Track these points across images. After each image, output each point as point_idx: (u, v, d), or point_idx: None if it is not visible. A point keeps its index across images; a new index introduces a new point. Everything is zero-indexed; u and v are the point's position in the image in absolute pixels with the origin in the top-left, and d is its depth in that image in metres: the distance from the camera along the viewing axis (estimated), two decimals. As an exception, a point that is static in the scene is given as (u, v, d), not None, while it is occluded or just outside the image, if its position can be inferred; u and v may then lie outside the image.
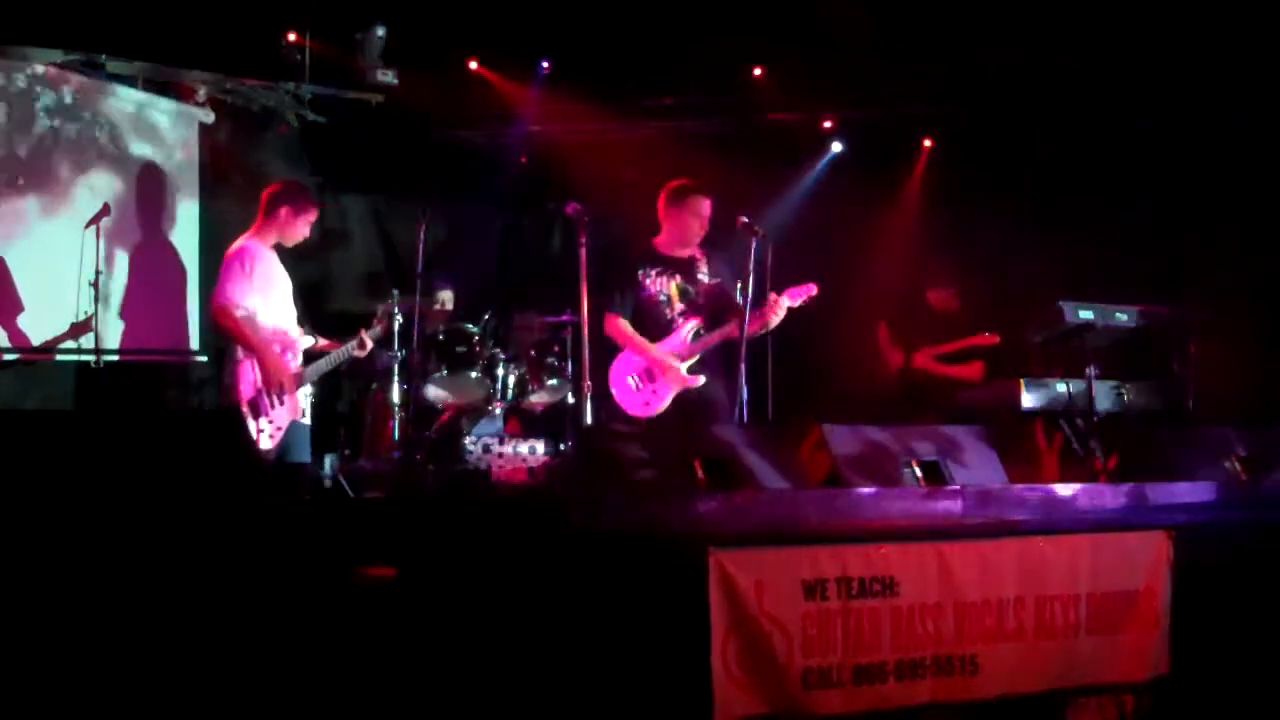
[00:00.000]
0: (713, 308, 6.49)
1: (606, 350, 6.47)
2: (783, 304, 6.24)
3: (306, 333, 6.60)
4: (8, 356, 7.16)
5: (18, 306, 7.18)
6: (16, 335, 7.19)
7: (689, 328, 6.46)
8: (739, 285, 6.42)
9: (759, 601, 4.03)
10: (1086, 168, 8.39)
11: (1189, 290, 7.67)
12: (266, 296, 6.35)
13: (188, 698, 3.77)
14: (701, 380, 6.35)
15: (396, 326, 7.01)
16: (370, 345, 6.71)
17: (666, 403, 6.37)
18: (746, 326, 6.08)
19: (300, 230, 6.53)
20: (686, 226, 6.48)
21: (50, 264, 7.29)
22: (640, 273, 6.47)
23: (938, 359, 7.82)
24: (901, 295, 8.27)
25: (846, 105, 9.27)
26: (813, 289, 6.33)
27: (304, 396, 6.48)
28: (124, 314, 7.60)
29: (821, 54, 8.52)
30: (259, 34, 7.82)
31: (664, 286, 6.49)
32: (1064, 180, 8.43)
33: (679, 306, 6.47)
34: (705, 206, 6.47)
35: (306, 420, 6.50)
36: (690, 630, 3.95)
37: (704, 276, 6.54)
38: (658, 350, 6.37)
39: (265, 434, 6.20)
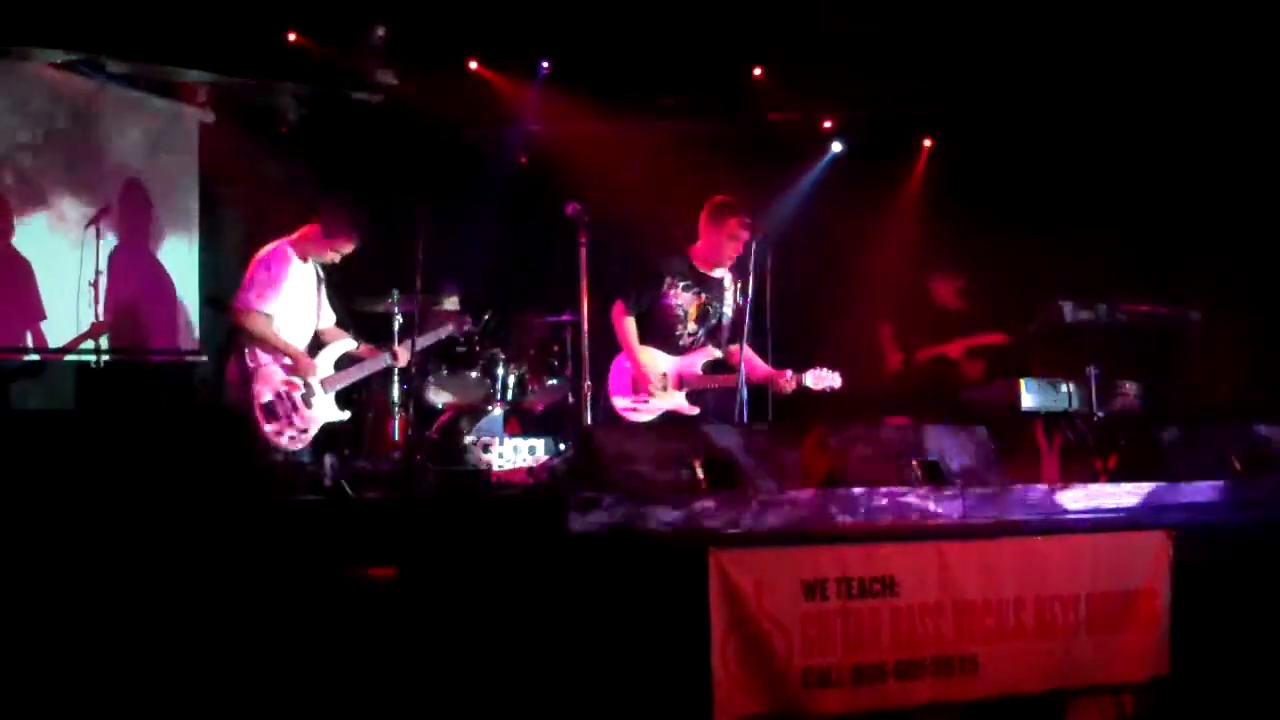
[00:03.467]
0: (730, 341, 6.48)
1: (611, 341, 6.47)
2: (804, 381, 6.28)
3: (347, 336, 6.80)
4: (28, 358, 7.20)
5: (40, 313, 7.24)
6: (38, 338, 7.25)
7: (704, 356, 6.44)
8: (739, 285, 6.41)
9: (759, 601, 4.03)
10: (1086, 167, 8.39)
11: (1189, 290, 7.67)
12: (288, 303, 6.51)
13: (189, 696, 3.78)
14: (695, 412, 6.35)
15: (396, 326, 7.05)
16: (407, 358, 6.75)
17: (654, 417, 6.37)
18: (744, 369, 6.06)
19: (326, 255, 6.70)
20: (721, 245, 6.44)
21: (50, 264, 7.29)
22: (667, 279, 6.45)
23: (964, 353, 7.84)
24: (904, 293, 8.27)
25: (846, 105, 9.26)
26: (836, 384, 6.32)
27: (331, 401, 6.61)
28: (124, 314, 7.58)
29: (821, 54, 8.51)
30: (259, 34, 7.81)
31: (686, 302, 6.45)
32: (1064, 180, 8.42)
33: (692, 326, 6.46)
34: (740, 228, 6.39)
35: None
36: (690, 630, 3.95)
37: (729, 305, 6.50)
38: (651, 365, 6.34)
39: (286, 435, 6.39)
